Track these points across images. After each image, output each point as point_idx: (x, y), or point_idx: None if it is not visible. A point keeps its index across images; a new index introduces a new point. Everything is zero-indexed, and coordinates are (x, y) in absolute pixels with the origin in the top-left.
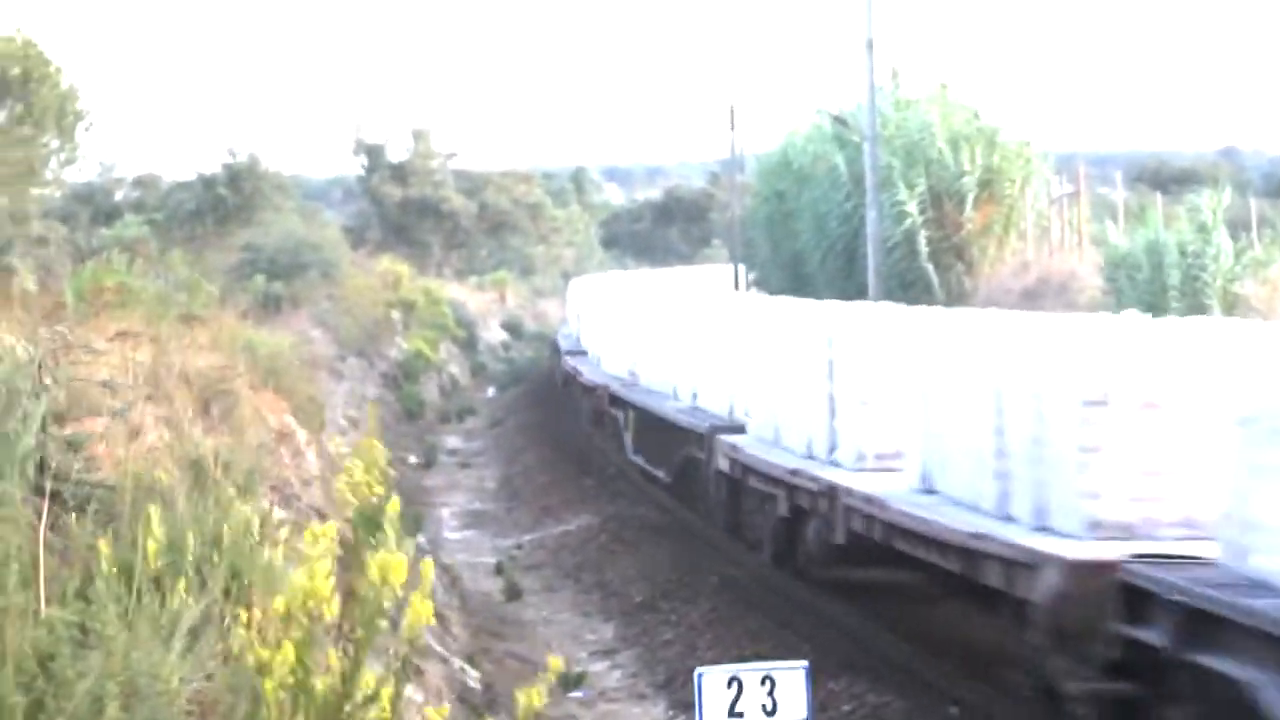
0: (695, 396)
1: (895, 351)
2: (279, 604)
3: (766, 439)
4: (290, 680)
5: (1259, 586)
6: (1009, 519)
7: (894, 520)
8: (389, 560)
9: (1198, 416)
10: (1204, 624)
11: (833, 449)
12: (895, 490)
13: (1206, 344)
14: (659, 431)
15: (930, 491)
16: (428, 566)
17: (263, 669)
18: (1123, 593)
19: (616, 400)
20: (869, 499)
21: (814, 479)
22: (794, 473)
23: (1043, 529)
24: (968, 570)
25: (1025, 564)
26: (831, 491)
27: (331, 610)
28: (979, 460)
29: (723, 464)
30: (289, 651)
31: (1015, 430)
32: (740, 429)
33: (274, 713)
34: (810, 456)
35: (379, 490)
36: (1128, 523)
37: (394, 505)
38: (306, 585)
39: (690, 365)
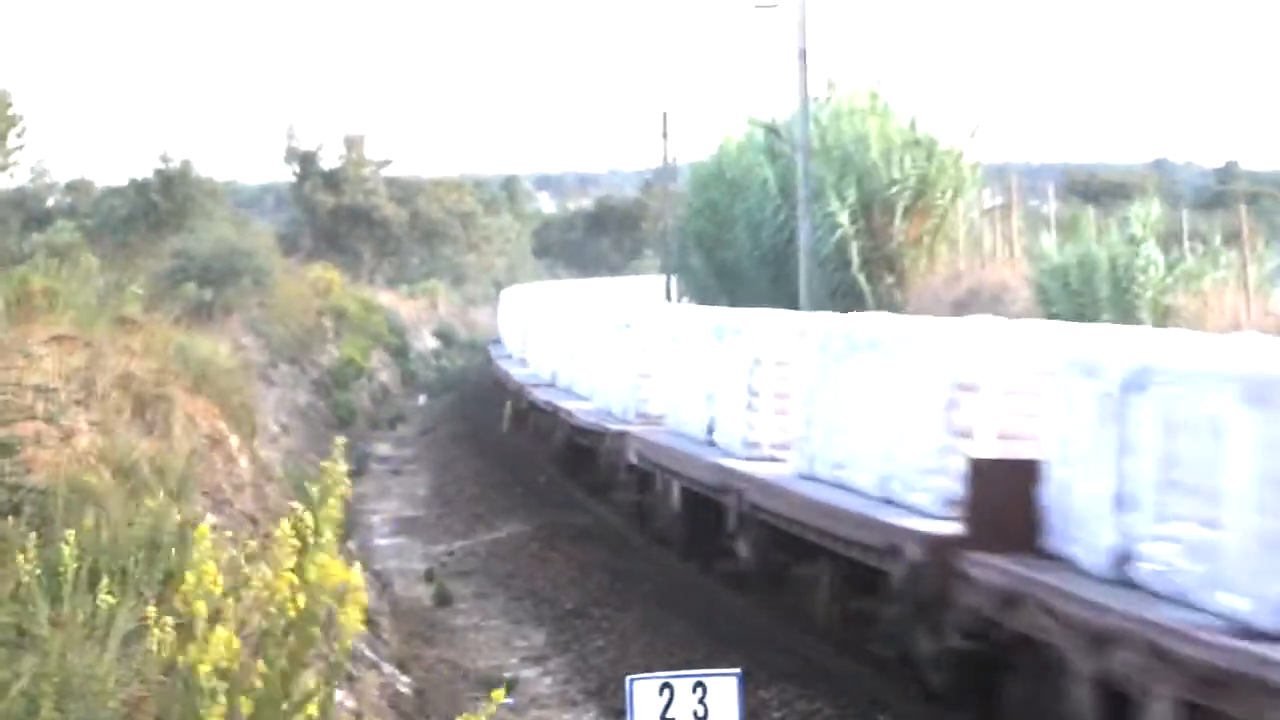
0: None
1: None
2: (201, 603)
3: None
4: (224, 675)
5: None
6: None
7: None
8: (326, 564)
9: None
10: None
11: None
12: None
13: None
14: None
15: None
16: (355, 576)
17: (196, 666)
18: None
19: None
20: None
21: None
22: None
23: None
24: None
25: None
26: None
27: (297, 605)
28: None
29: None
30: (217, 647)
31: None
32: None
33: (210, 707)
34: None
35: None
36: None
37: (334, 508)
38: (270, 581)
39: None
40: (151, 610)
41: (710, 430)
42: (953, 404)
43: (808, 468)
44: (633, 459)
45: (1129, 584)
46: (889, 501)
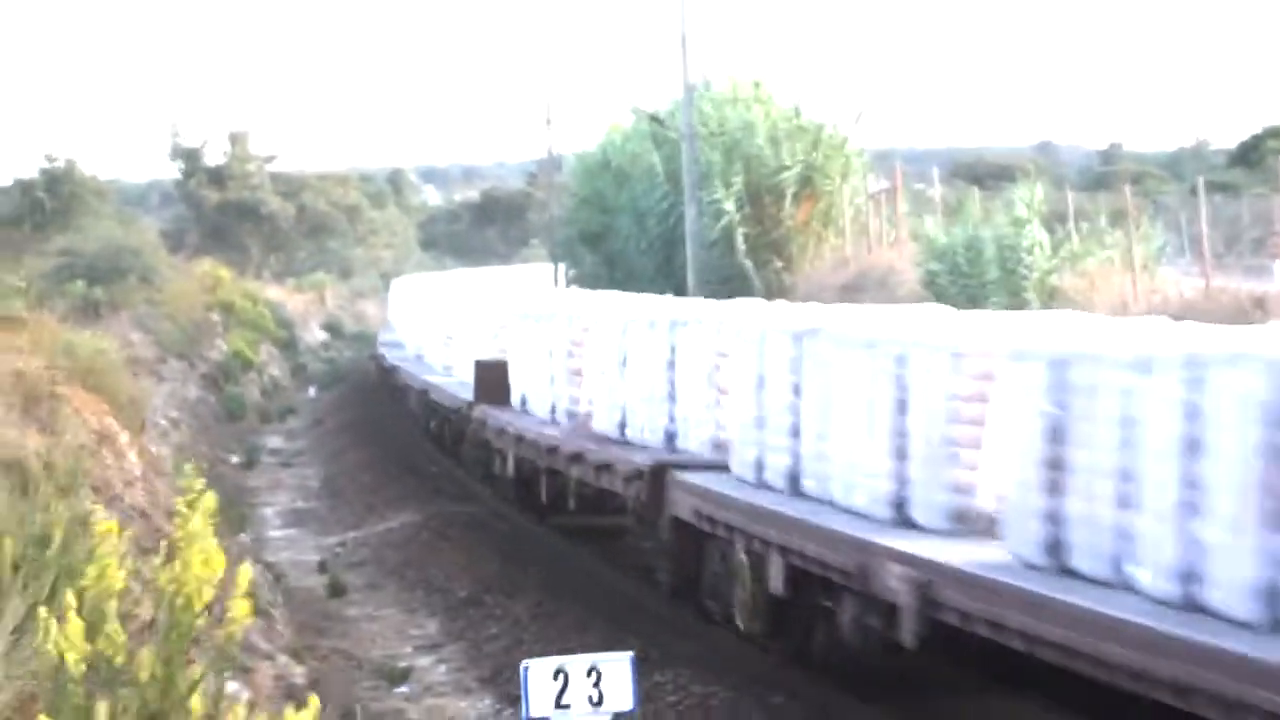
0: None
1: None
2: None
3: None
4: (100, 671)
5: None
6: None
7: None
8: (208, 553)
9: None
10: None
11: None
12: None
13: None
14: None
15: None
16: (244, 571)
17: (72, 661)
18: None
19: None
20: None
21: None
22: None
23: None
24: None
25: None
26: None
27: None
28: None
29: None
30: (79, 639)
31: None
32: None
33: (83, 702)
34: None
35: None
36: None
37: (210, 501)
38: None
39: None
40: (41, 607)
41: (446, 366)
42: (492, 335)
43: (457, 377)
44: (401, 381)
45: (528, 413)
46: None
